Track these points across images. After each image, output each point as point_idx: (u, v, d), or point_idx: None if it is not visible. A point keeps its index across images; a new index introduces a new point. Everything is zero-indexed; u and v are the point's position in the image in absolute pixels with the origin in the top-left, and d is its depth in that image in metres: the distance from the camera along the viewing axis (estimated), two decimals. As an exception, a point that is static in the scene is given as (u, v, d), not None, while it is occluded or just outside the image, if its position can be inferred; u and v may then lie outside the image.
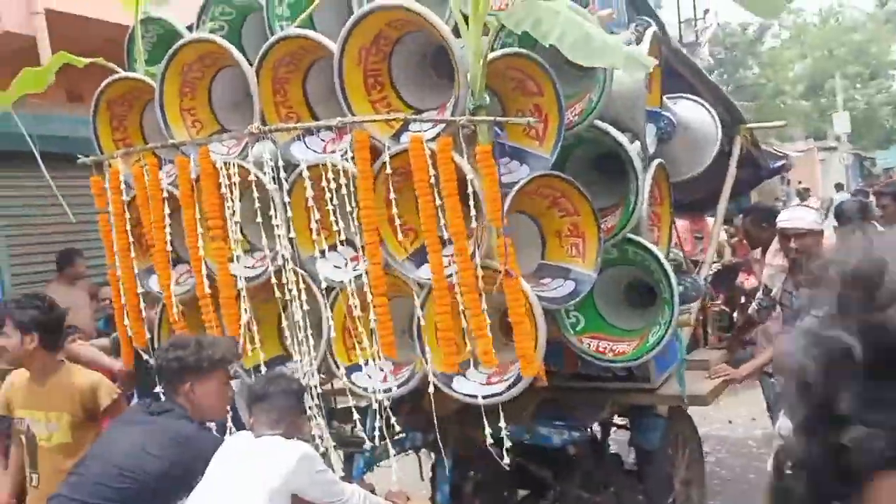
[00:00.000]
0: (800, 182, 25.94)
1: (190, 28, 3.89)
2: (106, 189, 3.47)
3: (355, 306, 2.86)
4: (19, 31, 6.29)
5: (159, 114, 3.29)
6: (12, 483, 3.37)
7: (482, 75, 2.74)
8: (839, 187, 23.89)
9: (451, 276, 2.78)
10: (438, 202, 2.68)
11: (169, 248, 3.26)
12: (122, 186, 3.37)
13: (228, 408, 2.98)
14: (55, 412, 3.17)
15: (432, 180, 2.65)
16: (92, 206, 5.52)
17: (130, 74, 3.59)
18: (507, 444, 2.90)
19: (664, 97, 4.39)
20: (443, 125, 2.77)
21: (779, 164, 6.71)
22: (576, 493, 3.85)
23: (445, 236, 2.81)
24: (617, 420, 4.31)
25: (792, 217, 4.05)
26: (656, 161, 3.52)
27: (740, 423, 5.52)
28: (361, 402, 3.21)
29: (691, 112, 4.59)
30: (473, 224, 2.72)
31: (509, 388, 2.77)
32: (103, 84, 3.52)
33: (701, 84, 5.04)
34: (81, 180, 4.34)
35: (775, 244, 4.62)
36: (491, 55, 2.82)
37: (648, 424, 3.91)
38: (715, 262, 6.64)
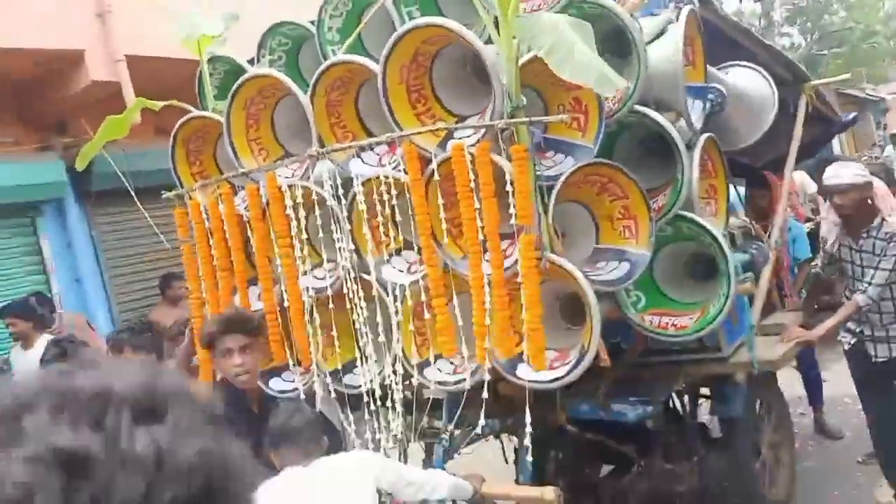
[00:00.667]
0: (899, 124, 24.63)
1: (251, 61, 4.19)
2: (188, 220, 3.80)
3: (419, 305, 3.06)
4: (105, 79, 6.77)
5: (228, 146, 3.58)
6: None
7: (516, 78, 2.89)
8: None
9: (507, 268, 2.95)
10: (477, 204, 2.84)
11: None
12: (204, 216, 3.69)
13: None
14: None
15: (472, 184, 2.82)
16: (185, 233, 5.91)
17: (201, 113, 3.90)
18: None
19: (715, 68, 4.41)
20: (483, 130, 2.94)
21: (851, 116, 6.51)
22: (659, 465, 3.94)
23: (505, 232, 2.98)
24: (704, 391, 4.36)
25: (832, 174, 4.01)
26: (704, 136, 3.57)
27: (834, 381, 5.42)
28: (439, 396, 3.42)
29: (744, 79, 4.59)
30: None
31: (570, 371, 2.91)
32: (177, 124, 3.85)
33: (758, 48, 5.00)
34: (172, 210, 4.71)
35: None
36: (524, 58, 2.96)
37: (727, 393, 3.95)
38: (810, 221, 6.52)
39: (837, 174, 3.97)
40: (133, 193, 4.47)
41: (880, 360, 4.04)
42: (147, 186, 5.12)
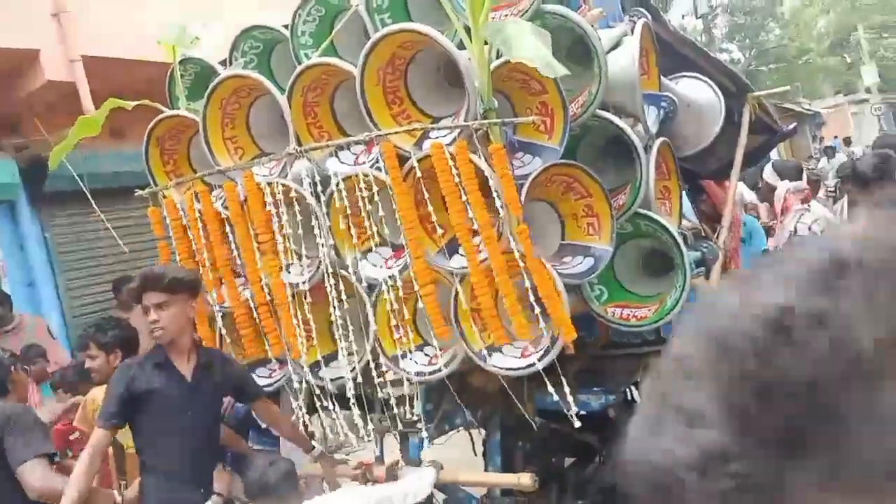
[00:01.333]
0: (835, 137, 25.73)
1: (223, 63, 4.27)
2: (164, 218, 3.86)
3: (397, 299, 3.20)
4: (60, 79, 6.72)
5: (205, 145, 3.66)
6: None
7: (488, 82, 3.06)
8: (847, 141, 22.97)
9: (483, 261, 3.11)
10: (464, 198, 3.00)
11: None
12: (180, 213, 3.76)
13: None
14: None
15: (456, 179, 2.98)
16: (141, 236, 5.91)
17: (175, 112, 3.97)
18: (573, 410, 3.20)
19: (666, 78, 4.67)
20: (458, 130, 3.10)
21: (791, 126, 6.90)
22: (620, 453, 4.12)
23: (474, 227, 3.13)
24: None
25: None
26: (660, 140, 3.79)
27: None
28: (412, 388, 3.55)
29: (693, 89, 4.85)
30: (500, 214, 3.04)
31: (542, 357, 3.08)
32: (152, 123, 3.91)
33: (704, 60, 5.29)
34: (129, 212, 4.72)
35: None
36: (495, 63, 3.13)
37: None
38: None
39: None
40: (88, 195, 4.49)
41: None
42: (102, 188, 5.14)
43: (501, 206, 2.97)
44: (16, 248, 7.20)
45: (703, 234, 5.16)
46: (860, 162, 3.77)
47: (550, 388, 3.13)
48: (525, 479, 3.11)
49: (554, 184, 3.39)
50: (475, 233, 3.13)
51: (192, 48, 4.12)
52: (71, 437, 4.20)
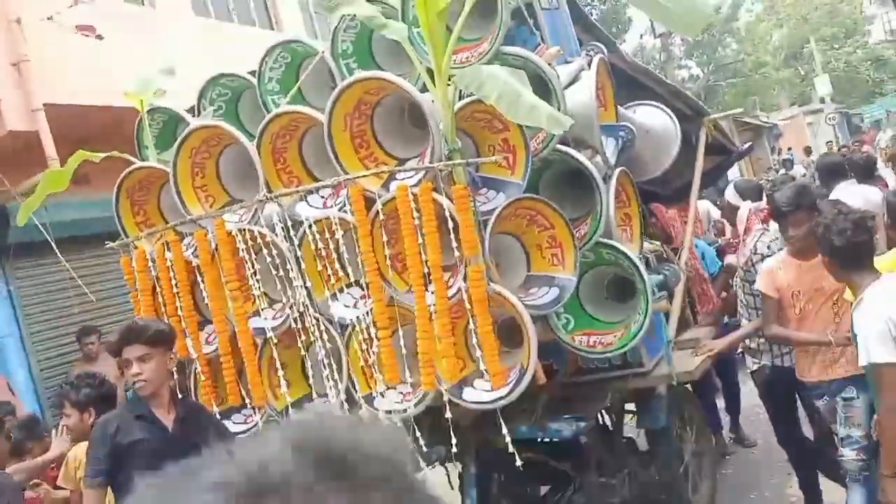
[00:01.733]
0: (789, 149, 26.36)
1: (191, 110, 4.34)
2: (133, 268, 3.89)
3: (367, 340, 3.27)
4: (22, 129, 6.68)
5: (175, 195, 3.72)
6: None
7: (452, 123, 3.17)
8: (808, 151, 23.90)
9: (451, 297, 3.20)
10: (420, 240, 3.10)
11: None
12: (149, 264, 3.80)
13: None
14: None
15: (416, 222, 3.07)
16: (108, 284, 5.85)
17: (145, 164, 4.03)
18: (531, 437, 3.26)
19: (624, 107, 4.83)
20: (423, 171, 3.20)
21: (746, 146, 7.13)
22: (594, 479, 4.21)
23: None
24: (629, 406, 4.69)
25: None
26: (618, 169, 3.92)
27: (748, 392, 5.87)
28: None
29: (650, 116, 5.02)
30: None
31: (511, 390, 3.16)
32: (122, 175, 3.95)
33: (659, 87, 5.49)
34: (96, 259, 4.71)
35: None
36: (458, 104, 3.25)
37: (651, 406, 4.28)
38: (715, 243, 7.04)
39: None
40: (53, 245, 4.50)
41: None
42: (67, 237, 5.11)
43: (457, 248, 3.06)
44: (-21, 303, 7.10)
45: (665, 257, 5.31)
46: (778, 194, 3.95)
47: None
48: None
49: (518, 217, 3.49)
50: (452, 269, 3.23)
51: (157, 98, 4.19)
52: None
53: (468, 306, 3.13)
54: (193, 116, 4.22)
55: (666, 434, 4.36)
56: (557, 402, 3.94)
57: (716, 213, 7.96)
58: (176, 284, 3.72)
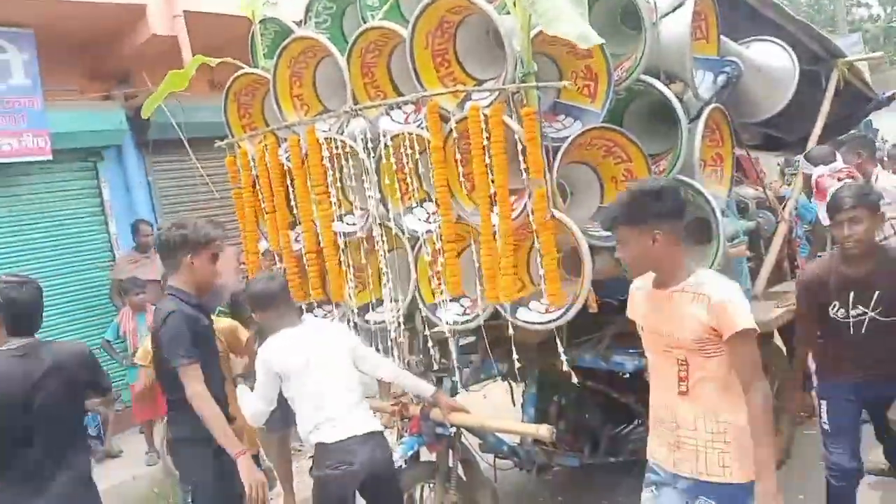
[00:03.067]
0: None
1: (299, 23, 4.53)
2: (238, 167, 4.20)
3: (434, 252, 3.42)
4: (164, 34, 7.18)
5: (274, 100, 3.95)
6: None
7: (528, 46, 3.18)
8: None
9: (515, 218, 3.27)
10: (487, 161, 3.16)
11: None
12: (251, 164, 4.08)
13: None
14: None
15: (485, 142, 3.14)
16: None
17: (251, 70, 4.27)
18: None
19: (739, 43, 4.61)
20: (496, 93, 3.24)
21: (888, 94, 6.59)
22: None
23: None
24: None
25: None
26: (711, 106, 3.79)
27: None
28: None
29: (765, 54, 4.76)
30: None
31: (562, 315, 3.23)
32: (230, 80, 4.23)
33: (790, 24, 5.13)
34: (223, 160, 5.08)
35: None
36: (537, 28, 3.24)
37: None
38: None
39: None
40: (186, 143, 4.87)
41: None
42: (200, 137, 5.49)
43: (524, 171, 3.11)
44: (122, 190, 7.81)
45: (768, 205, 5.10)
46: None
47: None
48: (543, 431, 3.29)
49: (594, 147, 3.48)
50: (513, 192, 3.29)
51: (268, 9, 4.39)
52: None
53: (533, 227, 3.19)
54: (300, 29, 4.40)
55: None
56: (624, 336, 3.96)
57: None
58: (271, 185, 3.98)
